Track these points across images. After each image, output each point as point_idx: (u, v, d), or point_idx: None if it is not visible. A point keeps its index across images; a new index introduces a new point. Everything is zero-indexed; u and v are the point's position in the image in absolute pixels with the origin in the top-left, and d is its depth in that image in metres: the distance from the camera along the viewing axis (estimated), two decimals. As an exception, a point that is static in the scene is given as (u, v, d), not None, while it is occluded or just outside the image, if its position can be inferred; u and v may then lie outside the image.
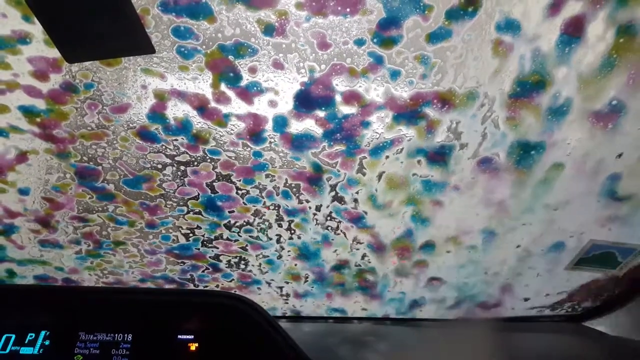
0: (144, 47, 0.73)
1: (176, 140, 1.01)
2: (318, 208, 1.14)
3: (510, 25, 0.84)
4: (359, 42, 0.87)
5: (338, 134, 1.00)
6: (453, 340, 1.12)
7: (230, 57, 0.88)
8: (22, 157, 1.03)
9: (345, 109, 0.96)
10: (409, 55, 0.88)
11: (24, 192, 1.09)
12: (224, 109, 0.96)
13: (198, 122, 0.98)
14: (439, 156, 1.04)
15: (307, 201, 1.13)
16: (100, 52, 0.74)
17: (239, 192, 1.10)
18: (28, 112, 0.95)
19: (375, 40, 0.86)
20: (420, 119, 0.97)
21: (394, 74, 0.91)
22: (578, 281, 1.19)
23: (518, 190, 1.08)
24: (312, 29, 0.85)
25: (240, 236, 1.19)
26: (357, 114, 0.97)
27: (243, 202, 1.12)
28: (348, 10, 0.82)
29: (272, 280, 1.30)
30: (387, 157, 1.04)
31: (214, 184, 1.08)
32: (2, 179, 1.06)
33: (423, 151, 1.04)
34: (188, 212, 1.14)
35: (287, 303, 1.34)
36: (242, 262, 1.26)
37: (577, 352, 1.14)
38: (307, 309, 1.33)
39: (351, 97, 0.94)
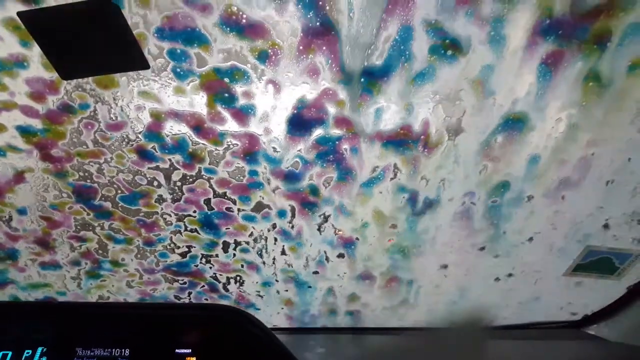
0: (138, 62, 0.74)
1: (173, 158, 1.02)
2: (311, 231, 1.16)
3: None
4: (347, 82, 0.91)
5: (330, 156, 1.02)
6: (447, 349, 1.11)
7: (226, 80, 0.90)
8: (19, 176, 1.04)
9: (336, 133, 0.99)
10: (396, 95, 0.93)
11: (22, 212, 1.10)
12: (220, 128, 0.98)
13: (194, 141, 1.00)
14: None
15: (301, 224, 1.15)
16: (94, 69, 0.76)
17: (235, 209, 1.11)
18: (25, 132, 0.97)
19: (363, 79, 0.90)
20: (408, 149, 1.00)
21: (379, 111, 0.95)
22: (576, 287, 1.19)
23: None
24: (304, 62, 0.88)
25: (236, 254, 1.20)
26: (347, 138, 0.99)
27: (239, 220, 1.13)
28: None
29: (268, 301, 1.31)
30: (378, 188, 1.07)
31: (210, 201, 1.10)
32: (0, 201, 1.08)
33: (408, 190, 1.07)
34: (185, 230, 1.15)
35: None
36: (239, 281, 1.27)
37: (577, 358, 1.13)
38: (303, 322, 1.33)
39: (342, 122, 0.97)
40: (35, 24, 0.65)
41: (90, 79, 0.88)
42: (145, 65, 0.76)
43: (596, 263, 1.14)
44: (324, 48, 0.86)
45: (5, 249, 1.16)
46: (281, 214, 1.12)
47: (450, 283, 1.21)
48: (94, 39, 0.68)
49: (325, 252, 1.19)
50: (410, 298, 1.26)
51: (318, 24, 0.83)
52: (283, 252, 1.20)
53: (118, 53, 0.72)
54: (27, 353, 0.88)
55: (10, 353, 0.88)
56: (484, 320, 1.25)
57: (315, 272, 1.23)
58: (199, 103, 0.94)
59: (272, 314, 1.33)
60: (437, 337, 1.20)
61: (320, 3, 0.80)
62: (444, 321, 1.27)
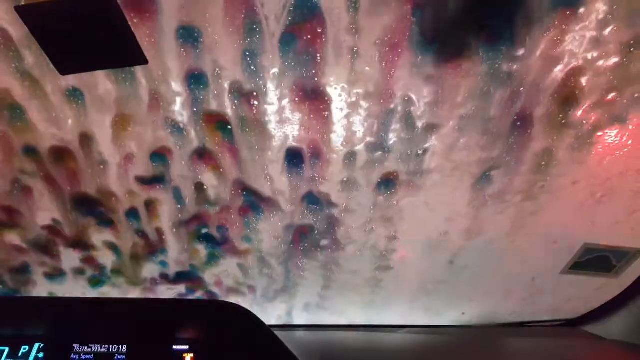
0: (136, 58, 0.74)
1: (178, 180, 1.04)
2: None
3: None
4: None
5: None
6: (446, 348, 1.11)
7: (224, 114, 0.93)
8: (27, 190, 1.05)
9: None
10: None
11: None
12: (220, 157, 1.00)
13: (197, 166, 1.01)
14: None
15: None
16: (93, 64, 0.76)
17: (236, 229, 1.13)
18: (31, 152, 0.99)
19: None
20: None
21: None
22: (574, 285, 1.19)
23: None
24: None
25: (234, 268, 1.21)
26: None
27: (240, 240, 1.15)
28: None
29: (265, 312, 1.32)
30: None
31: (213, 217, 1.11)
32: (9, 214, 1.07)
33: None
34: (187, 241, 1.16)
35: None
36: (236, 292, 1.28)
37: (575, 356, 1.12)
38: (302, 318, 1.34)
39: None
40: (33, 19, 0.65)
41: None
42: (143, 60, 0.75)
43: (593, 261, 1.13)
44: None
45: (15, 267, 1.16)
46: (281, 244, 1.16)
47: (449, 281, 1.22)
48: (91, 34, 0.67)
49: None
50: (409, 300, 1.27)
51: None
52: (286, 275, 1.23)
53: (116, 48, 0.71)
54: (24, 349, 0.88)
55: (7, 349, 0.88)
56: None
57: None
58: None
59: (271, 313, 1.33)
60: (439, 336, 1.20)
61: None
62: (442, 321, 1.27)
